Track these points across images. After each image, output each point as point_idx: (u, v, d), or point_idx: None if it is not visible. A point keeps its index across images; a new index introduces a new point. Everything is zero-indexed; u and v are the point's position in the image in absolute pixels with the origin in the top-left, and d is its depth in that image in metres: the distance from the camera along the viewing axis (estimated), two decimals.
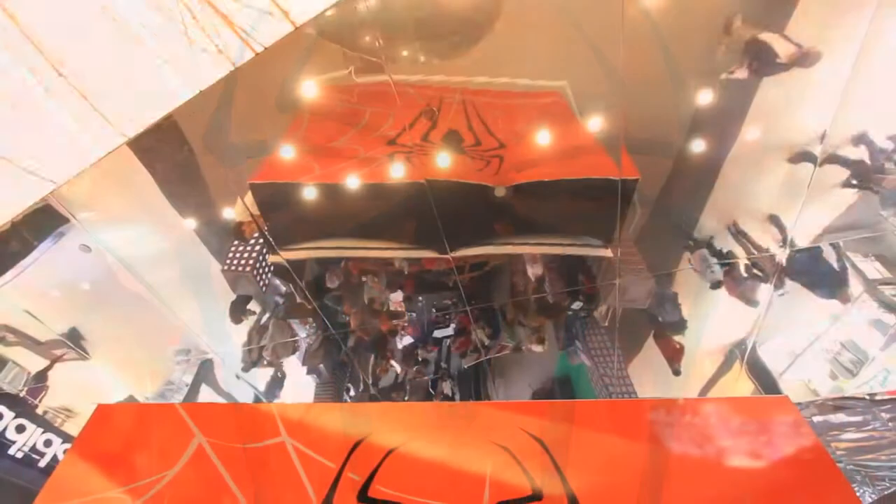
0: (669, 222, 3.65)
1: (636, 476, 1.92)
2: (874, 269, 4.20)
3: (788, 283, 4.09)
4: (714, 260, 3.74)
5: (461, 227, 3.65)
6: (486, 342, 4.81)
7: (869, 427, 5.08)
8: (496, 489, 1.92)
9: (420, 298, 4.35)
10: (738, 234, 3.79)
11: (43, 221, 3.63)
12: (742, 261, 3.80)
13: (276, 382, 5.51)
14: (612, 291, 4.15)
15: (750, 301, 4.03)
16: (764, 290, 3.98)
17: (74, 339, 4.75)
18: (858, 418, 5.10)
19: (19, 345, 4.90)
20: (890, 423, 5.00)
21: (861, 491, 4.47)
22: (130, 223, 3.78)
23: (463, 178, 3.33)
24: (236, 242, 3.83)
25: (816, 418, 5.35)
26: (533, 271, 3.98)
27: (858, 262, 4.11)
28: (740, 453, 1.99)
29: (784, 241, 3.71)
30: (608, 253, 3.75)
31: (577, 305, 4.35)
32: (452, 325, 4.64)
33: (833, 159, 3.41)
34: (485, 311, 4.47)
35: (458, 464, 1.99)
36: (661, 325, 4.46)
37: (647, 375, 5.21)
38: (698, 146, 3.31)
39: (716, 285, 3.87)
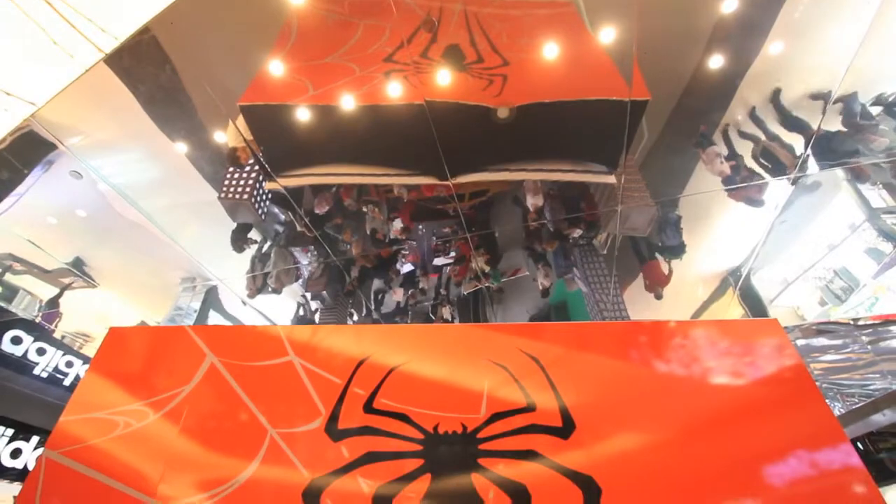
0: (678, 146, 3.41)
1: (626, 393, 2.02)
2: (879, 198, 4.03)
3: (789, 211, 3.93)
4: (725, 153, 3.53)
5: (462, 151, 3.40)
6: (486, 270, 4.69)
7: (847, 350, 5.11)
8: (493, 402, 2.02)
9: (420, 227, 4.17)
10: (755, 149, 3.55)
11: (30, 148, 3.41)
12: (749, 156, 3.60)
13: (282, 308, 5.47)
14: (613, 218, 3.96)
15: (754, 202, 3.86)
16: (770, 190, 3.79)
17: (80, 267, 4.66)
18: (839, 342, 5.12)
19: (27, 273, 4.83)
20: (869, 346, 5.02)
21: (831, 405, 4.53)
22: (120, 149, 3.53)
23: (464, 100, 3.06)
24: (231, 169, 3.59)
25: (800, 342, 5.37)
26: (533, 201, 3.77)
27: (865, 190, 3.93)
28: (727, 372, 2.04)
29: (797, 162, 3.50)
30: (611, 179, 3.53)
31: (577, 233, 4.19)
32: (452, 253, 4.51)
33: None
34: (484, 239, 4.32)
35: (457, 380, 2.09)
36: (659, 248, 4.32)
37: (641, 302, 5.15)
38: (716, 62, 3.02)
39: (725, 181, 3.69)
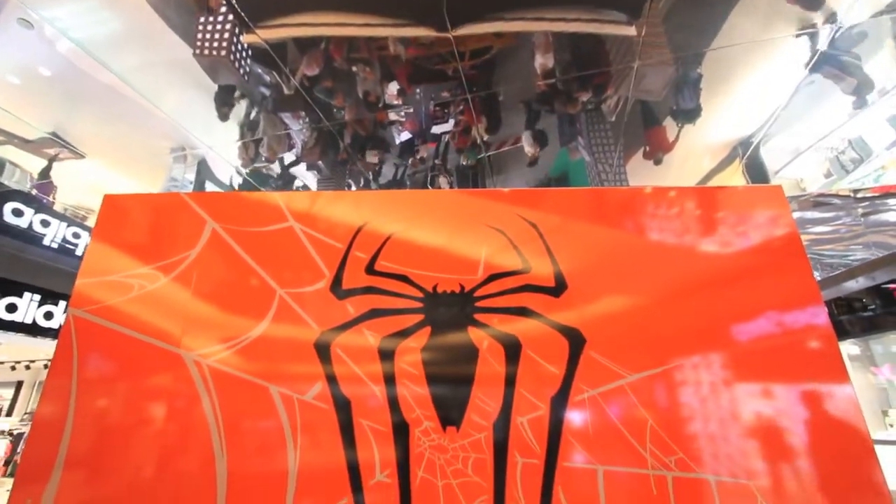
0: None
1: (618, 259, 2.10)
2: None
3: (821, 70, 3.79)
4: None
5: None
6: (486, 138, 4.66)
7: (839, 222, 5.26)
8: (490, 265, 2.11)
9: (418, 90, 4.07)
10: None
11: None
12: None
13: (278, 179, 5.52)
14: (627, 78, 3.83)
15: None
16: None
17: (62, 136, 4.61)
18: (831, 214, 5.25)
19: (8, 144, 4.79)
20: (861, 218, 5.17)
21: None
22: None
23: None
24: (202, 19, 3.26)
25: (795, 214, 5.52)
26: (542, 61, 3.63)
27: None
28: (722, 238, 2.12)
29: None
30: (631, 31, 3.36)
31: (585, 97, 4.10)
32: (451, 120, 4.46)
33: None
34: (485, 104, 4.23)
35: (455, 245, 2.15)
36: (673, 112, 4.25)
37: (644, 172, 5.19)
38: None
39: None
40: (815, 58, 3.65)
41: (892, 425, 6.51)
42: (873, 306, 5.91)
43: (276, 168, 5.14)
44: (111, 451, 1.88)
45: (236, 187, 5.38)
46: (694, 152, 4.73)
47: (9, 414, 8.26)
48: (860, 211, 4.92)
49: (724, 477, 1.81)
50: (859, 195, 4.82)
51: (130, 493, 1.85)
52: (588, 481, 1.86)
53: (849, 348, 7.01)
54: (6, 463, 6.17)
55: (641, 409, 1.88)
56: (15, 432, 6.80)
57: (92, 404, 1.94)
